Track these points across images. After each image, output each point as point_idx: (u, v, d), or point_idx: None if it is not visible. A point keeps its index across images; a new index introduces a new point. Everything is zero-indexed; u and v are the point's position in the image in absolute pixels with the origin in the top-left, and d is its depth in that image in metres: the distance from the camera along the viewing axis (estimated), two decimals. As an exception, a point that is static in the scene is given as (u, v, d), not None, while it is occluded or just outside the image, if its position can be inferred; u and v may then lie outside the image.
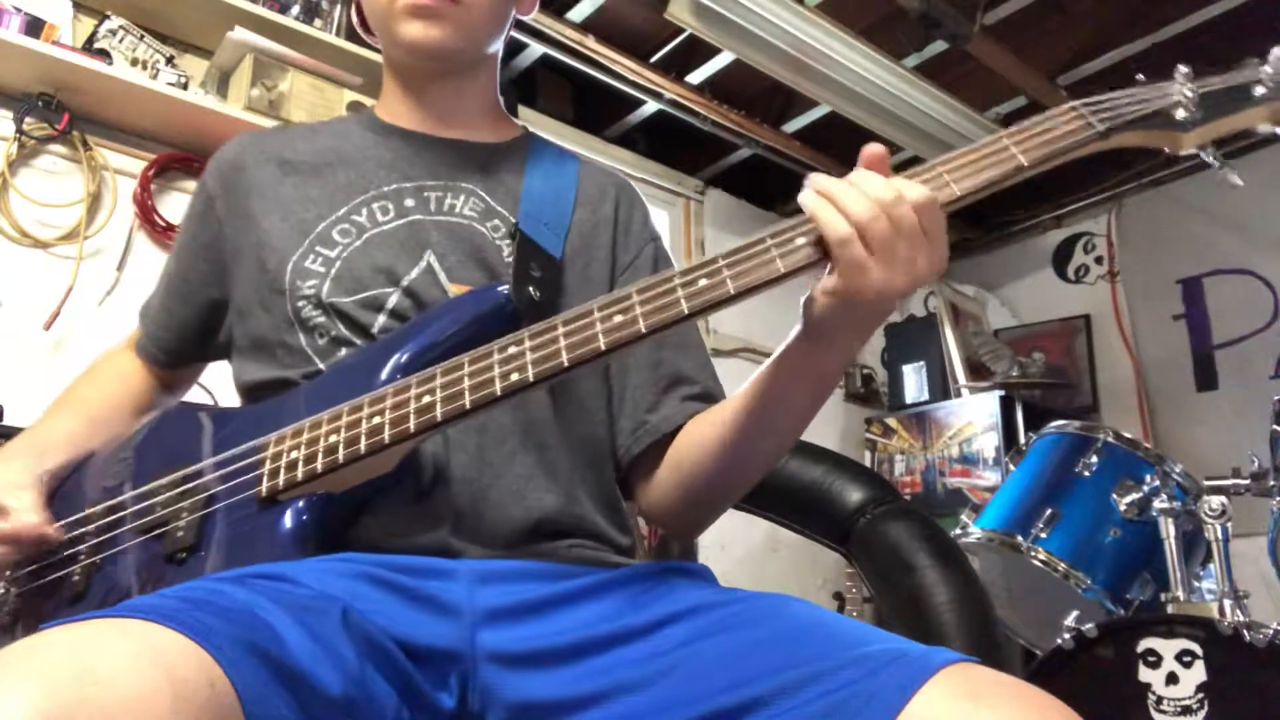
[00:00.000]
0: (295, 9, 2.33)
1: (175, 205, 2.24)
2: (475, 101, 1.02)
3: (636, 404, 0.94)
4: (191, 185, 2.25)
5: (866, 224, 0.67)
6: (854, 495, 2.29)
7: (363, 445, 0.75)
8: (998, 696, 0.58)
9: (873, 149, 0.72)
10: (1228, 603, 1.51)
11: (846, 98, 3.10)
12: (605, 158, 3.18)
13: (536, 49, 2.88)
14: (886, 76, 3.04)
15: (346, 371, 0.84)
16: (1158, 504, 1.69)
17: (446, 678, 0.70)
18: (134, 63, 2.15)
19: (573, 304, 0.77)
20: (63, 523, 0.88)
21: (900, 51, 3.04)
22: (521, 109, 3.01)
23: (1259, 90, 0.75)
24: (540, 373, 0.72)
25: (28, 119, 2.02)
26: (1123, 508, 1.82)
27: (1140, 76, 0.77)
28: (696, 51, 3.05)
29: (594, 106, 3.28)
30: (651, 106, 3.20)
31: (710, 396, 0.95)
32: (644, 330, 0.71)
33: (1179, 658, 1.43)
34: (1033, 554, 1.84)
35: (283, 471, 0.77)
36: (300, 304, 0.88)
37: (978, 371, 3.60)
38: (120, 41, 2.14)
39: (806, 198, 0.70)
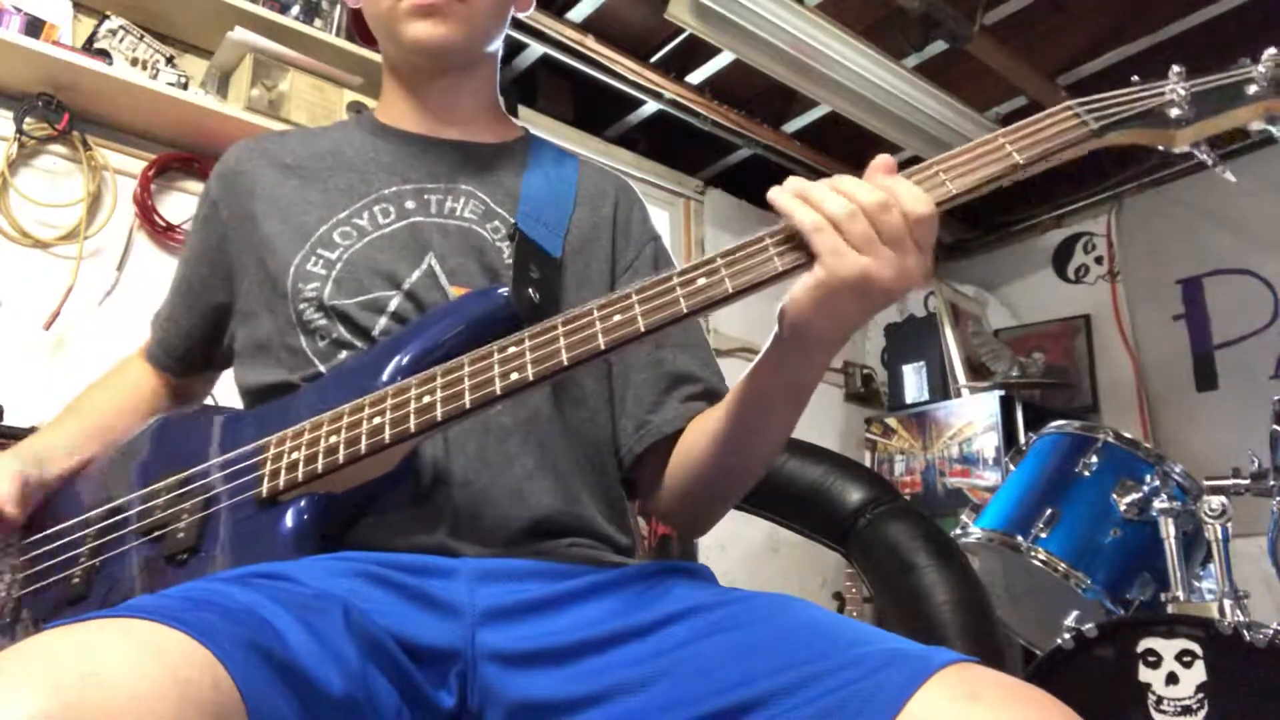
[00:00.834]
0: (295, 9, 2.33)
1: (175, 205, 2.24)
2: (475, 101, 1.03)
3: (639, 403, 0.94)
4: (191, 185, 2.25)
5: (841, 220, 0.67)
6: (854, 495, 2.29)
7: (363, 445, 0.75)
8: (997, 696, 0.58)
9: (878, 161, 0.72)
10: (1228, 603, 1.52)
11: (846, 98, 3.10)
12: (605, 158, 3.18)
13: (537, 49, 2.88)
14: (886, 76, 3.04)
15: (347, 373, 0.84)
16: (1158, 504, 1.69)
17: (446, 677, 0.71)
18: (134, 63, 2.15)
19: (573, 304, 0.78)
20: (62, 525, 0.88)
21: (900, 51, 3.03)
22: (522, 109, 3.01)
23: (1252, 89, 0.77)
24: (540, 372, 0.72)
25: (28, 119, 2.02)
26: (1123, 508, 1.82)
27: (1135, 78, 0.78)
28: (696, 51, 3.05)
29: (594, 106, 3.28)
30: (651, 106, 3.20)
31: (713, 394, 0.95)
32: (643, 329, 0.71)
33: (1179, 658, 1.43)
34: (1033, 554, 1.84)
35: (283, 472, 0.77)
36: (302, 306, 0.89)
37: (978, 371, 3.60)
38: (120, 41, 2.14)
39: (777, 194, 0.70)
